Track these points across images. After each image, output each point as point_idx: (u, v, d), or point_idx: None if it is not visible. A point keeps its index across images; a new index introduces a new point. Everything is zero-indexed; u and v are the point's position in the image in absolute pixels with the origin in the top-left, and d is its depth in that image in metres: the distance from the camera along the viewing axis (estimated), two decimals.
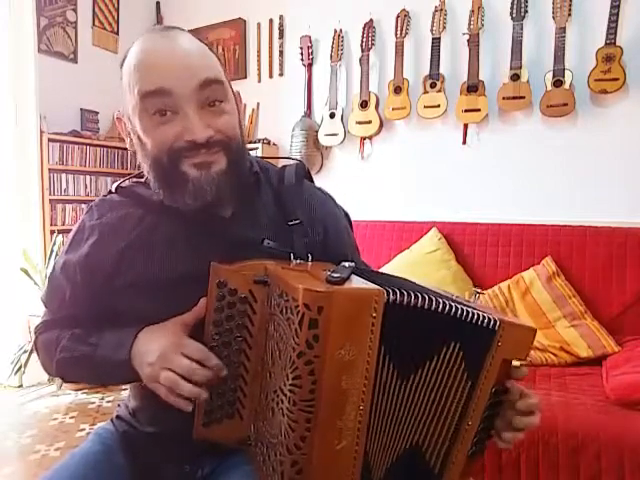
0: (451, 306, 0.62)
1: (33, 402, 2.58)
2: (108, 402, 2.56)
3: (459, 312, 0.62)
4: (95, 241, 0.80)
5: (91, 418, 2.38)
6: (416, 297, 0.60)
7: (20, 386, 2.75)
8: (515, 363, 0.69)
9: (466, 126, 2.50)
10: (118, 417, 0.91)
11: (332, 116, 2.78)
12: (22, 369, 2.63)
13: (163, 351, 0.68)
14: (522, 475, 1.40)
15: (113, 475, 0.82)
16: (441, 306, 0.61)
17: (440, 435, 0.66)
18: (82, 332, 0.79)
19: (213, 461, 0.82)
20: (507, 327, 0.64)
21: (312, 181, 0.93)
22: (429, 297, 0.61)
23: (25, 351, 2.61)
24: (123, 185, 0.84)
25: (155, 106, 0.70)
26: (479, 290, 0.72)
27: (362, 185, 2.82)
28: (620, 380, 1.53)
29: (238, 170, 0.76)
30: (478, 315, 0.63)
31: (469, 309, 0.63)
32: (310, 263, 0.72)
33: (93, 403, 2.55)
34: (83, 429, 2.26)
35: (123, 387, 2.61)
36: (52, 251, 2.72)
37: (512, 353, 0.66)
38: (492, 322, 0.63)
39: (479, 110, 2.38)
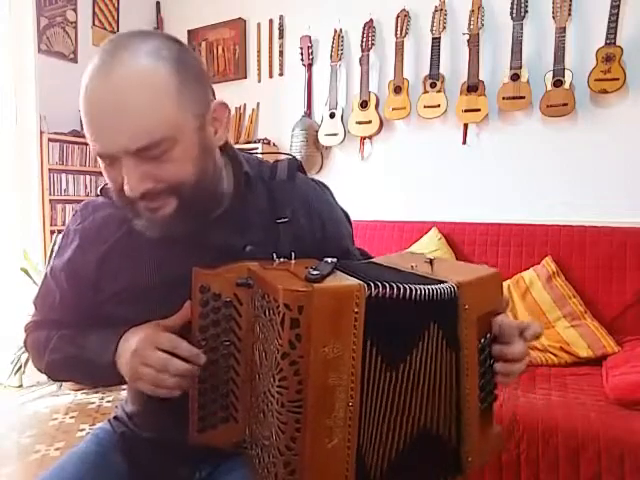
0: (422, 290, 0.62)
1: (33, 402, 2.58)
2: (108, 402, 2.56)
3: (428, 293, 0.62)
4: (77, 246, 0.80)
5: (91, 418, 2.38)
6: (392, 288, 0.60)
7: (20, 386, 2.75)
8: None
9: (466, 126, 2.50)
10: (115, 418, 0.91)
11: (332, 116, 2.78)
12: (22, 369, 2.63)
13: (136, 347, 0.68)
14: (522, 475, 1.40)
15: (111, 476, 0.82)
16: (415, 293, 0.61)
17: (445, 410, 0.67)
18: (70, 333, 0.80)
19: (211, 464, 0.82)
20: (464, 288, 0.64)
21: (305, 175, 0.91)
22: (404, 286, 0.61)
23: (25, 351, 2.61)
24: (107, 186, 0.84)
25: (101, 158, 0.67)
26: (430, 257, 0.72)
27: (362, 185, 2.82)
28: (620, 380, 1.53)
29: (197, 204, 0.70)
30: (440, 290, 0.63)
31: (431, 287, 0.63)
32: (293, 261, 0.71)
33: (93, 403, 2.55)
34: (83, 429, 2.26)
35: (122, 387, 2.61)
36: (52, 251, 2.72)
37: (483, 307, 0.66)
38: (451, 290, 0.64)
39: (479, 110, 2.38)
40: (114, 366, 0.72)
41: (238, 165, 0.80)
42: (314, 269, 0.60)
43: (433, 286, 0.63)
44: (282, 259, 0.71)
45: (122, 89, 0.62)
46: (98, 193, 0.82)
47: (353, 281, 0.59)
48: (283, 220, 0.80)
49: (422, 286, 0.62)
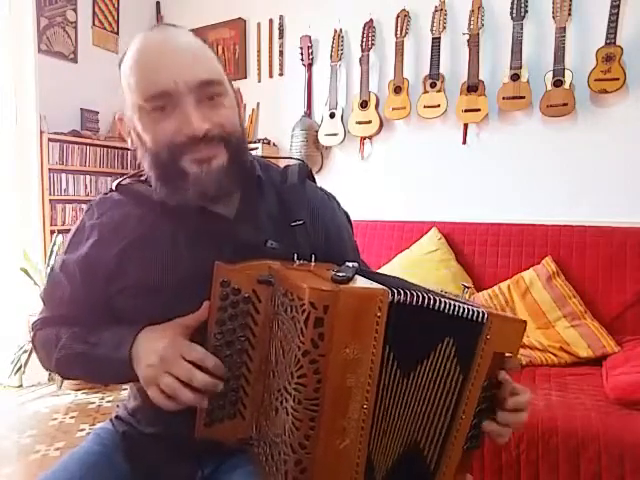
0: (447, 303, 0.63)
1: (33, 402, 2.58)
2: (108, 402, 2.56)
3: (454, 308, 0.63)
4: (95, 241, 0.80)
5: (91, 418, 2.38)
6: (417, 296, 0.61)
7: (20, 386, 2.75)
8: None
9: (466, 126, 2.50)
10: (117, 417, 0.90)
11: (332, 116, 2.78)
12: (22, 369, 2.63)
13: (163, 354, 0.68)
14: (522, 475, 1.40)
15: (112, 476, 0.81)
16: (439, 304, 0.62)
17: (436, 431, 0.66)
18: (82, 331, 0.79)
19: (214, 461, 0.82)
20: (495, 320, 0.64)
21: (314, 181, 0.93)
22: (428, 296, 0.62)
23: (25, 351, 2.61)
24: (123, 183, 0.84)
25: (154, 105, 0.71)
26: (467, 284, 0.74)
27: (362, 185, 2.82)
28: (620, 380, 1.53)
29: (240, 165, 0.76)
30: (469, 309, 0.64)
31: (461, 304, 0.64)
32: (313, 263, 0.72)
33: (93, 403, 2.55)
34: (83, 429, 2.26)
35: (123, 387, 2.61)
36: (52, 251, 2.71)
37: (502, 346, 0.66)
38: (481, 315, 0.64)
39: (479, 110, 2.38)
40: (128, 363, 0.71)
41: (250, 164, 0.82)
42: (339, 271, 0.61)
43: (462, 304, 0.64)
44: (302, 260, 0.72)
45: (183, 37, 0.73)
46: (113, 189, 0.83)
47: (377, 285, 0.60)
48: (298, 223, 0.81)
49: (449, 300, 0.63)
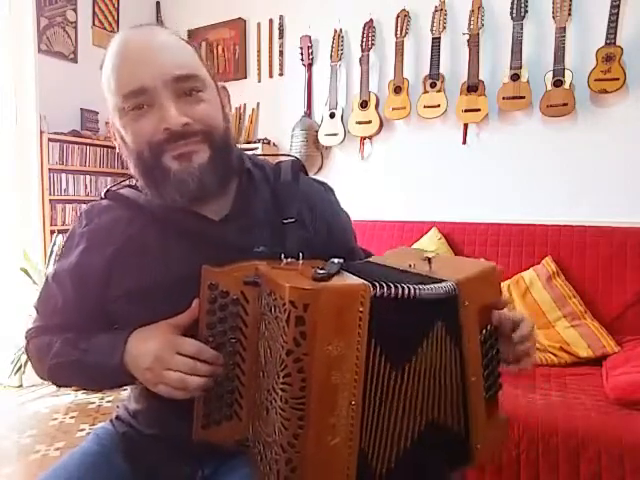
0: (425, 290, 0.63)
1: (33, 402, 2.58)
2: (108, 402, 2.56)
3: (430, 294, 0.63)
4: (84, 248, 0.79)
5: (91, 418, 2.38)
6: (397, 288, 0.61)
7: (20, 386, 2.75)
8: None
9: (466, 126, 2.50)
10: (117, 418, 0.90)
11: (332, 116, 2.78)
12: (22, 369, 2.63)
13: (158, 354, 0.68)
14: (522, 475, 1.40)
15: (112, 476, 0.81)
16: (419, 293, 0.62)
17: (452, 403, 0.68)
18: (74, 337, 0.79)
19: (214, 463, 0.82)
20: (463, 285, 0.66)
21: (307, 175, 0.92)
22: (409, 287, 0.62)
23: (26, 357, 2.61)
24: (112, 189, 0.84)
25: (132, 104, 0.71)
26: (430, 255, 0.75)
27: (362, 185, 2.82)
28: (620, 380, 1.53)
29: (224, 161, 0.75)
30: (442, 289, 0.64)
31: (431, 286, 0.64)
32: (301, 262, 0.72)
33: (93, 403, 2.55)
34: (83, 429, 2.26)
35: (123, 387, 2.61)
36: (52, 251, 2.71)
37: (482, 300, 0.68)
38: (451, 289, 0.65)
39: (479, 110, 2.38)
40: (122, 368, 0.71)
41: (240, 161, 0.82)
42: (321, 269, 0.61)
43: (434, 285, 0.64)
44: (290, 259, 0.72)
45: (159, 35, 0.73)
46: (102, 196, 0.83)
47: (358, 281, 0.60)
48: (290, 221, 0.80)
49: (424, 286, 0.63)
